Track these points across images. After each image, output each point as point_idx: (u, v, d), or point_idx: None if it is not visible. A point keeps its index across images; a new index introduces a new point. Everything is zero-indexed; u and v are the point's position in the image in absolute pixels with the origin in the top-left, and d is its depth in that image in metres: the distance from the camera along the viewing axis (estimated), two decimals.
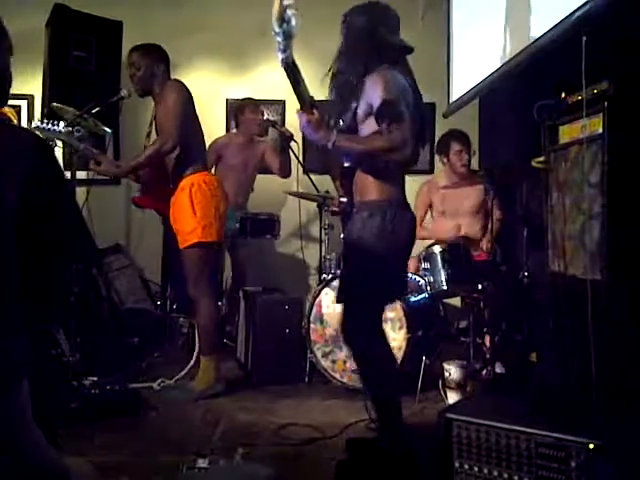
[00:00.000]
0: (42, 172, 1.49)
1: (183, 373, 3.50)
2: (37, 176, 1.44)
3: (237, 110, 4.53)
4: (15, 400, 1.30)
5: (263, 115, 4.56)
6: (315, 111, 2.09)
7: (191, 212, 3.20)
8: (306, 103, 2.09)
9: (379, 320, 2.43)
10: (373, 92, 2.25)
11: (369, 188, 2.34)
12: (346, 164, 2.47)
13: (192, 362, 3.52)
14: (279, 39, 1.84)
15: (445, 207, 4.19)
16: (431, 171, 4.96)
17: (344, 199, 2.50)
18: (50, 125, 3.15)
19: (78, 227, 1.69)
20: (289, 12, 1.79)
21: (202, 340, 3.35)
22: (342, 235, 2.57)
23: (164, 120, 3.19)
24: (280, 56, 1.89)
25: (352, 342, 2.43)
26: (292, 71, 1.98)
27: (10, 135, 1.49)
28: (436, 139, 4.49)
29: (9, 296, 1.31)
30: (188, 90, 3.27)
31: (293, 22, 1.80)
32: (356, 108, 2.31)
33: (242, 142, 4.51)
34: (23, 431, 1.32)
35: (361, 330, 2.37)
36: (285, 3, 1.78)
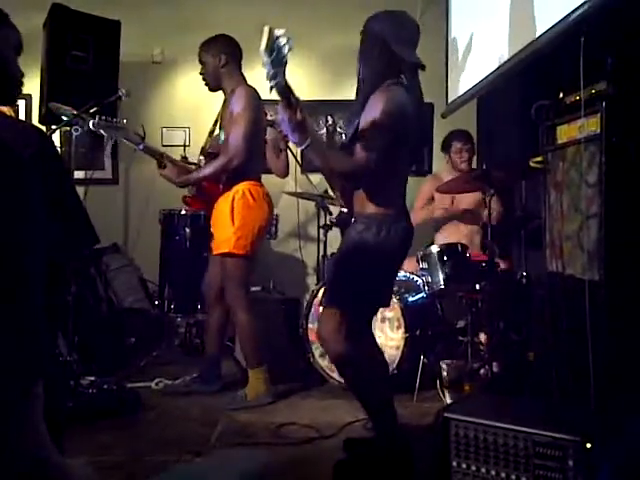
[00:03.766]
0: (46, 163, 1.51)
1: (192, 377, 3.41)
2: (42, 167, 1.46)
3: None
4: (28, 402, 1.29)
5: (266, 115, 4.55)
6: (299, 112, 2.07)
7: (229, 220, 3.13)
8: (292, 104, 2.06)
9: (363, 327, 2.45)
10: (371, 111, 2.24)
11: (368, 200, 2.35)
12: None
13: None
14: (267, 68, 1.84)
15: (444, 203, 4.23)
16: (429, 171, 4.96)
17: (345, 210, 2.51)
18: (108, 122, 3.07)
19: (81, 216, 1.71)
20: (280, 41, 1.79)
21: (245, 352, 3.29)
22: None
23: (232, 135, 3.11)
24: (270, 83, 1.89)
25: (329, 347, 2.42)
26: (286, 94, 1.98)
27: (14, 128, 1.52)
28: (435, 139, 4.50)
29: (36, 297, 1.30)
30: (259, 97, 3.20)
31: (285, 50, 1.80)
32: (358, 124, 2.31)
33: None
34: (29, 431, 1.30)
35: (340, 336, 2.35)
36: (276, 34, 1.78)
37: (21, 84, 1.59)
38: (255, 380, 3.22)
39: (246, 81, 3.27)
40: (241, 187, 3.17)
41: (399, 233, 2.35)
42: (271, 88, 1.91)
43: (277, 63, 1.83)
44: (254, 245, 3.20)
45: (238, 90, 3.17)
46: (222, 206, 3.18)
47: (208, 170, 3.18)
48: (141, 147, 3.18)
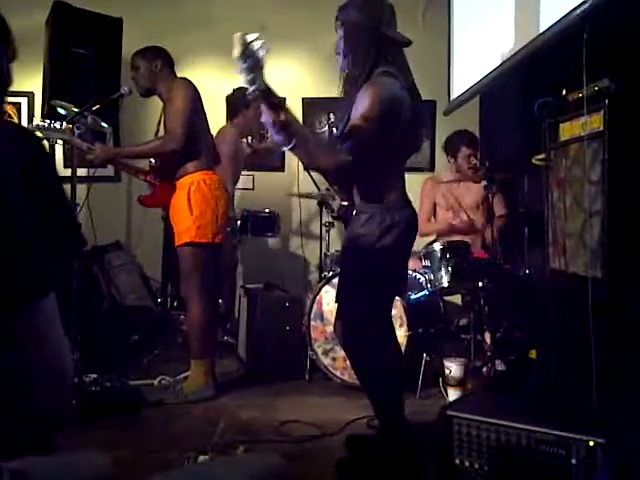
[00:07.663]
0: (38, 162, 1.56)
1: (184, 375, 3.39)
2: (34, 164, 1.51)
3: (241, 103, 4.39)
4: (39, 312, 1.44)
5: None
6: (282, 114, 2.07)
7: (188, 211, 3.18)
8: (276, 104, 2.07)
9: (385, 319, 2.41)
10: (360, 104, 2.21)
11: (369, 190, 2.34)
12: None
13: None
14: (244, 75, 1.85)
15: (447, 203, 4.21)
16: (432, 169, 4.96)
17: (345, 203, 2.49)
18: (49, 124, 3.17)
19: (67, 216, 1.74)
20: (254, 46, 1.79)
21: (191, 343, 3.27)
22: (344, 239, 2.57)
23: (171, 120, 3.16)
24: (250, 89, 1.90)
25: (346, 343, 2.43)
26: (267, 97, 1.98)
27: (13, 131, 1.56)
28: (437, 137, 4.48)
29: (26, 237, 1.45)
30: (196, 88, 3.24)
31: (260, 53, 1.81)
32: (348, 117, 2.29)
33: (235, 134, 4.42)
34: (50, 336, 1.47)
35: (356, 331, 2.36)
36: (249, 40, 1.79)
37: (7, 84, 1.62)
38: (195, 371, 3.22)
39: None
40: (195, 178, 3.21)
41: (405, 217, 2.32)
42: (250, 93, 1.91)
43: (253, 68, 1.84)
44: (216, 233, 3.23)
45: (174, 83, 3.23)
46: (179, 198, 3.22)
47: (143, 147, 3.26)
48: (80, 143, 3.23)
